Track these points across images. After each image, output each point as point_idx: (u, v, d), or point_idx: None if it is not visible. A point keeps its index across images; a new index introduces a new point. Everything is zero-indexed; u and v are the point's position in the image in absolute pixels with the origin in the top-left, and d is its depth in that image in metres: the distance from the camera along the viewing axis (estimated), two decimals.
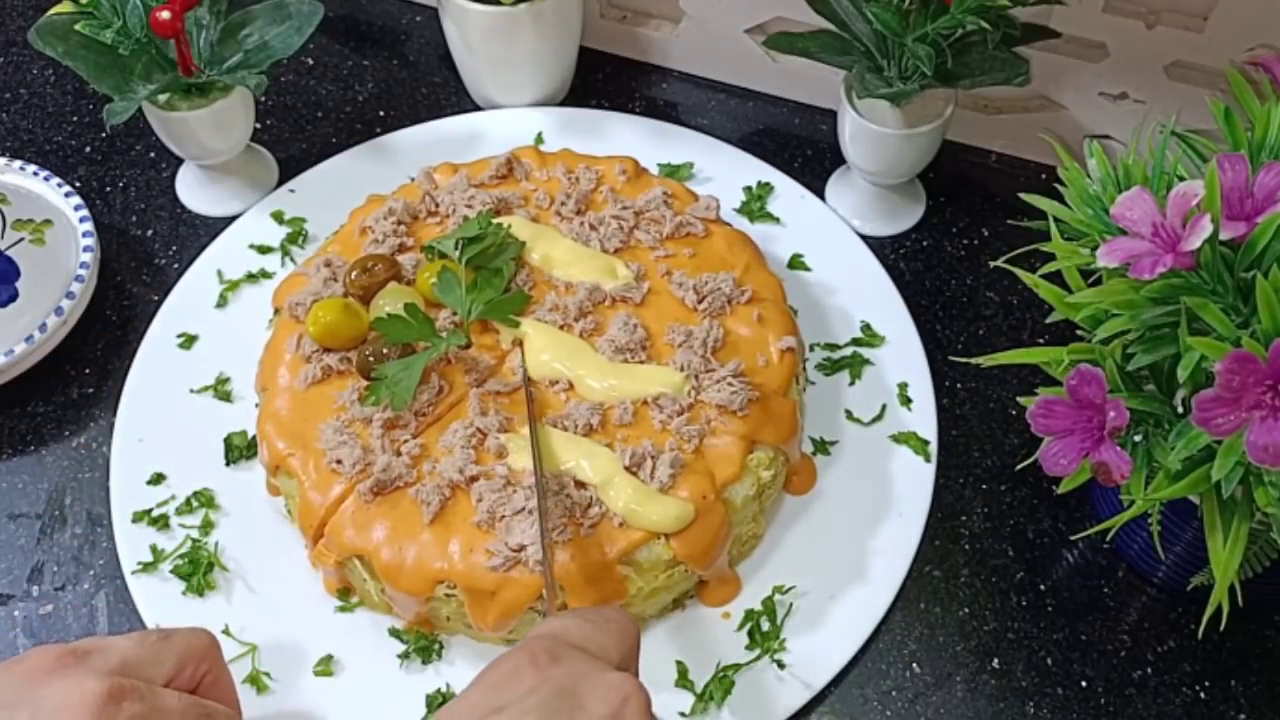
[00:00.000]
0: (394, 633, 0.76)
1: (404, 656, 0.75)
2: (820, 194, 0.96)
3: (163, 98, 0.88)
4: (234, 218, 0.95)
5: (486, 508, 0.73)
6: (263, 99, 1.03)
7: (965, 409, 0.86)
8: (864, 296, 0.90)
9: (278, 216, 0.95)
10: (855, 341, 0.88)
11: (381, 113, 1.03)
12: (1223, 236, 0.58)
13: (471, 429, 0.76)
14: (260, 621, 0.76)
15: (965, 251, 0.94)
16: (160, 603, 0.77)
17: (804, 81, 1.01)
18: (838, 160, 0.95)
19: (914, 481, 0.81)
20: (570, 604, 0.72)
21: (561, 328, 0.80)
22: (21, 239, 0.89)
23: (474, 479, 0.74)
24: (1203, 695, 0.75)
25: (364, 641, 0.76)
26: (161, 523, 0.80)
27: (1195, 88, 0.88)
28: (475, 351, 0.79)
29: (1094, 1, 0.86)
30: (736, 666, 0.74)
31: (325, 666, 0.75)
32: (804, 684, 0.74)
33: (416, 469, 0.75)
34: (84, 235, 0.90)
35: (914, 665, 0.76)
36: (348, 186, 0.93)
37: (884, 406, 0.85)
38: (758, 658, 0.75)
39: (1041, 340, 0.88)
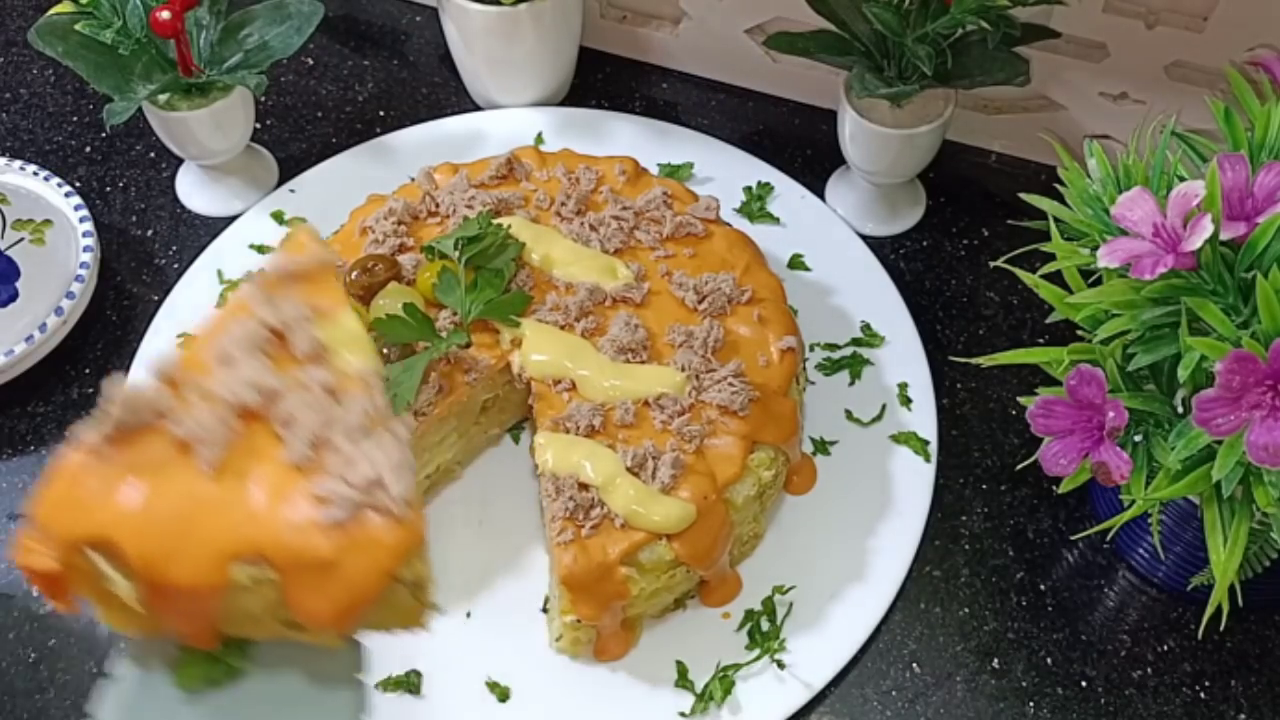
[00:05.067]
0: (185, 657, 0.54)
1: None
2: (820, 194, 0.96)
3: (163, 98, 0.88)
4: (234, 218, 0.95)
5: (304, 434, 0.50)
6: (263, 99, 1.03)
7: (965, 409, 0.86)
8: (864, 296, 0.90)
9: (278, 217, 0.95)
10: (855, 341, 0.88)
11: (381, 113, 1.03)
12: (1223, 237, 0.58)
13: (259, 331, 0.54)
14: None
15: (965, 251, 0.94)
16: None
17: (804, 81, 1.01)
18: (838, 160, 0.95)
19: (914, 481, 0.82)
20: (572, 606, 0.72)
21: (562, 328, 0.80)
22: (21, 239, 0.89)
23: (274, 397, 0.51)
24: (1203, 695, 0.75)
25: None
26: None
27: (1195, 88, 0.88)
28: (475, 351, 0.79)
29: (1094, 1, 0.86)
30: (736, 666, 0.74)
31: None
32: (804, 684, 0.74)
33: (177, 395, 0.51)
34: (84, 235, 0.90)
35: (914, 665, 0.76)
36: (348, 186, 0.93)
37: (884, 406, 0.85)
38: (758, 658, 0.75)
39: (1042, 340, 0.88)
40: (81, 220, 0.91)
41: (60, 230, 0.91)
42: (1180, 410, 0.62)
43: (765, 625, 0.76)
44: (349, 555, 0.48)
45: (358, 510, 0.48)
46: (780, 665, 0.74)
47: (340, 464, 0.49)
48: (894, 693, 0.75)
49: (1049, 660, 0.76)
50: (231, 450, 0.50)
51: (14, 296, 0.86)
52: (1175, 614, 0.78)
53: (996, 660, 0.76)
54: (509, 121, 0.99)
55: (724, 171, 0.96)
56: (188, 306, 0.90)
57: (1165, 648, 0.76)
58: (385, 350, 0.77)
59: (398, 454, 0.49)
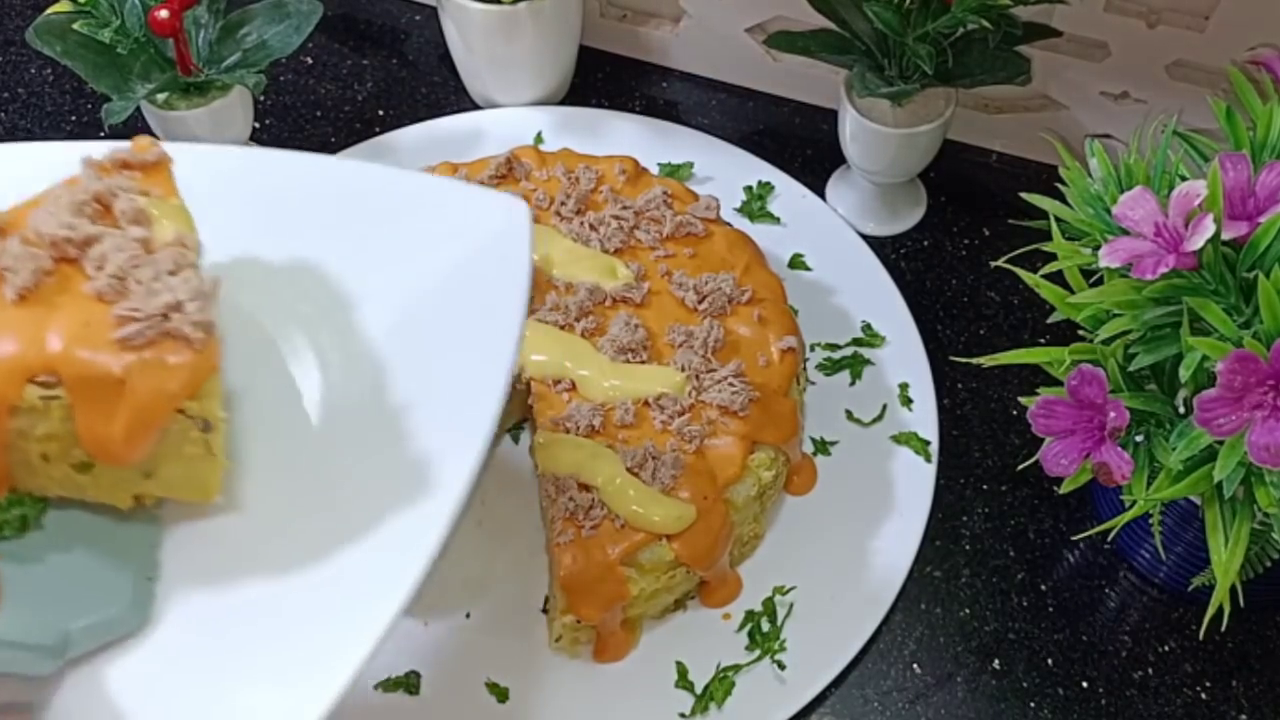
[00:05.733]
0: None
1: None
2: (820, 194, 0.96)
3: (161, 97, 0.88)
4: None
5: (111, 270, 0.51)
6: (262, 98, 1.02)
7: (966, 409, 0.86)
8: (864, 296, 0.90)
9: None
10: (855, 341, 0.88)
11: (381, 112, 1.03)
12: (1225, 236, 0.58)
13: (83, 196, 0.54)
14: None
15: (966, 251, 0.94)
16: None
17: (804, 81, 1.01)
18: (838, 160, 0.95)
19: (914, 481, 0.81)
20: (571, 607, 0.71)
21: (562, 328, 0.80)
22: None
23: (92, 240, 0.52)
24: (1204, 696, 0.75)
25: None
26: None
27: (1197, 87, 0.88)
28: None
29: (1095, 1, 0.86)
30: (736, 667, 0.74)
31: None
32: (804, 684, 0.74)
33: None
34: None
35: (914, 666, 0.76)
36: None
37: (884, 406, 0.85)
38: (758, 658, 0.75)
39: (1043, 340, 0.88)
40: None
41: None
42: (1182, 410, 0.62)
43: (765, 626, 0.76)
44: (138, 375, 0.48)
45: (152, 331, 0.49)
46: (780, 666, 0.74)
47: (142, 293, 0.50)
48: (894, 693, 0.75)
49: (1050, 661, 0.76)
50: (41, 284, 0.51)
51: None
52: (1176, 615, 0.77)
53: (997, 661, 0.76)
54: (508, 121, 0.99)
55: (724, 171, 0.96)
56: None
57: (1166, 648, 0.76)
58: None
59: (199, 285, 0.50)
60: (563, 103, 1.03)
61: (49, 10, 0.86)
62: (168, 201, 0.57)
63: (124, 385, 0.49)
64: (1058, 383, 0.63)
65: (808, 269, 0.92)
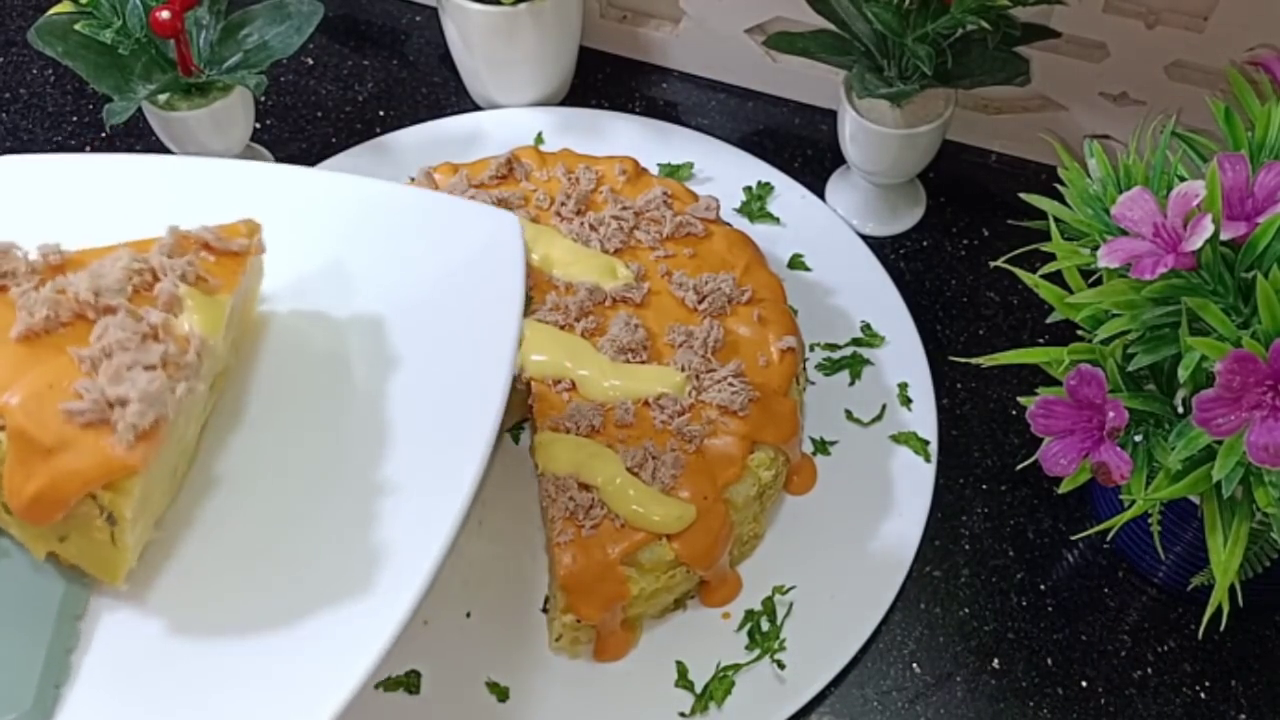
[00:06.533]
0: None
1: None
2: (820, 194, 0.96)
3: (162, 97, 0.88)
4: None
5: (104, 344, 0.54)
6: (262, 99, 1.03)
7: (965, 409, 0.86)
8: (864, 296, 0.90)
9: None
10: (855, 341, 0.88)
11: (381, 113, 1.03)
12: (1223, 237, 0.58)
13: (139, 264, 0.58)
14: None
15: (965, 251, 0.94)
16: None
17: (804, 81, 1.01)
18: (838, 160, 0.95)
19: (914, 481, 0.81)
20: (571, 606, 0.72)
21: (562, 328, 0.80)
22: None
23: (109, 310, 0.56)
24: (1203, 695, 0.75)
25: None
26: None
27: (1195, 88, 0.88)
28: None
29: (1094, 1, 0.86)
30: (736, 666, 0.74)
31: None
32: (804, 683, 0.74)
33: (42, 276, 0.57)
34: None
35: (914, 665, 0.76)
36: None
37: (884, 406, 0.85)
38: (758, 658, 0.75)
39: (1042, 340, 0.88)
40: None
41: None
42: (1180, 410, 0.62)
43: (765, 625, 0.76)
44: (66, 449, 0.51)
45: (94, 415, 0.51)
46: (780, 665, 0.74)
47: (110, 376, 0.52)
48: (894, 693, 0.75)
49: (1049, 660, 0.76)
50: (51, 331, 0.54)
51: None
52: (1175, 614, 0.78)
53: (997, 660, 0.76)
54: (509, 121, 0.99)
55: (724, 171, 0.96)
56: None
57: (1165, 648, 0.76)
58: None
59: (157, 391, 0.52)
60: (563, 103, 1.03)
61: (50, 11, 0.86)
62: (214, 297, 0.58)
63: (50, 454, 0.51)
64: (1057, 383, 0.63)
65: (807, 269, 0.92)
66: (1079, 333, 0.65)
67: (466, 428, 0.57)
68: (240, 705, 0.53)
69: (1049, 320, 0.67)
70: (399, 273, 0.65)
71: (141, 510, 0.54)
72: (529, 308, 0.80)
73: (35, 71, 1.07)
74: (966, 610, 0.78)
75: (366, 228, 0.66)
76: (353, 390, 0.62)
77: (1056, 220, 0.67)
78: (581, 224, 0.85)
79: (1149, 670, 0.76)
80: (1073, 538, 0.80)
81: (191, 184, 0.67)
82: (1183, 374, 0.58)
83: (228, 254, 0.60)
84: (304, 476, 0.60)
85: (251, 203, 0.65)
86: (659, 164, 0.96)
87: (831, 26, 0.87)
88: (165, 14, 0.83)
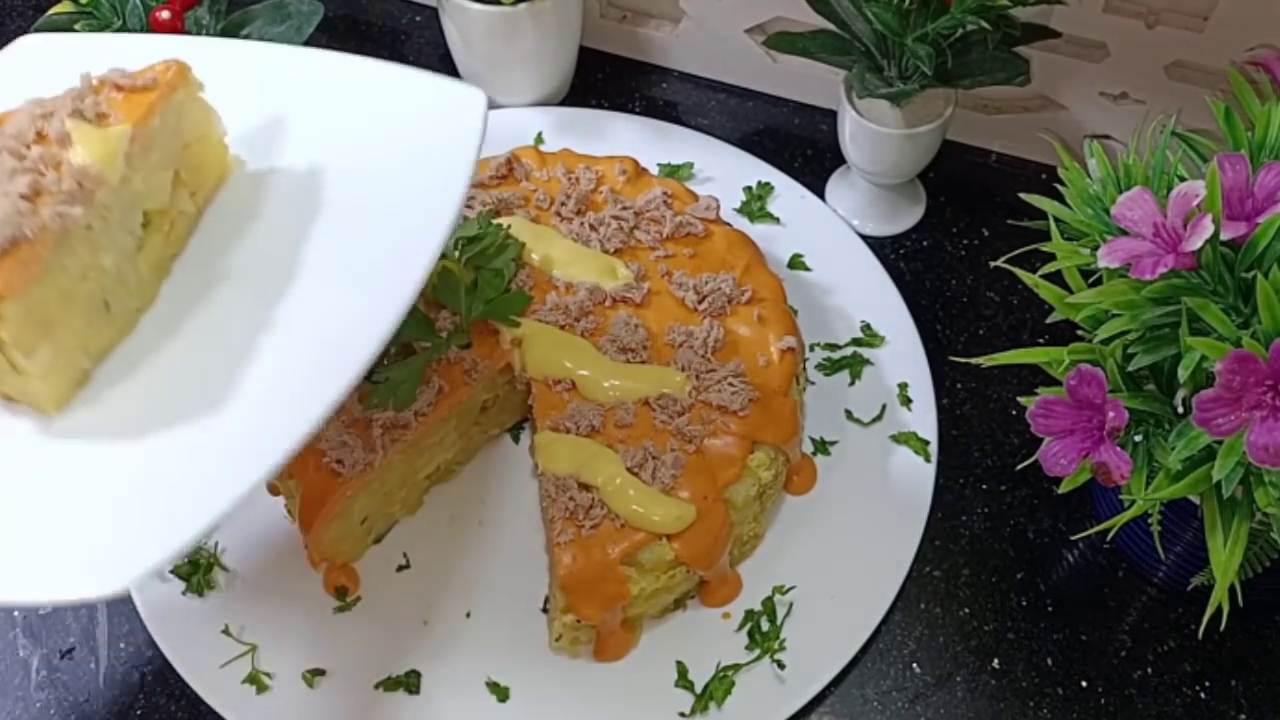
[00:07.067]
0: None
1: None
2: (820, 194, 0.96)
3: None
4: None
5: None
6: None
7: (965, 409, 0.86)
8: (864, 296, 0.90)
9: None
10: (855, 341, 0.88)
11: None
12: (1223, 237, 0.58)
13: (42, 110, 0.64)
14: (260, 621, 0.76)
15: (965, 251, 0.94)
16: (160, 602, 0.77)
17: (804, 81, 1.01)
18: (838, 160, 0.95)
19: (914, 481, 0.81)
20: (571, 606, 0.72)
21: (562, 328, 0.80)
22: None
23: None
24: (1203, 695, 0.75)
25: (356, 642, 0.76)
26: None
27: (1195, 88, 0.88)
28: (475, 351, 0.79)
29: (1094, 1, 0.86)
30: (736, 666, 0.74)
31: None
32: (804, 684, 0.74)
33: None
34: None
35: (914, 665, 0.76)
36: None
37: (884, 406, 0.85)
38: (758, 658, 0.75)
39: (1042, 340, 0.88)
40: None
41: None
42: (1180, 410, 0.62)
43: (765, 625, 0.76)
44: None
45: None
46: (780, 665, 0.74)
47: None
48: (894, 693, 0.75)
49: (1049, 660, 0.76)
50: None
51: None
52: (1175, 614, 0.78)
53: (997, 660, 0.76)
54: (509, 121, 0.99)
55: (724, 171, 0.96)
56: None
57: (1165, 648, 0.76)
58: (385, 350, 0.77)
59: (5, 214, 0.56)
60: (563, 103, 1.03)
61: (51, 11, 0.86)
62: (105, 129, 0.61)
63: None
64: (1057, 383, 0.63)
65: (807, 269, 0.92)
66: (1079, 333, 0.65)
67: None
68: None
69: (1049, 320, 0.67)
70: (358, 132, 0.70)
71: (35, 334, 0.57)
72: (529, 307, 0.80)
73: None
74: (966, 610, 0.78)
75: (340, 94, 0.72)
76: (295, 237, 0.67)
77: (1056, 220, 0.67)
78: (581, 224, 0.85)
79: (1149, 670, 0.76)
80: (1073, 538, 0.80)
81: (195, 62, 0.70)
82: (1183, 374, 0.58)
83: (134, 89, 0.63)
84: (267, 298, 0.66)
85: (237, 79, 0.71)
86: (659, 164, 0.96)
87: (831, 26, 0.87)
88: (165, 14, 0.83)
